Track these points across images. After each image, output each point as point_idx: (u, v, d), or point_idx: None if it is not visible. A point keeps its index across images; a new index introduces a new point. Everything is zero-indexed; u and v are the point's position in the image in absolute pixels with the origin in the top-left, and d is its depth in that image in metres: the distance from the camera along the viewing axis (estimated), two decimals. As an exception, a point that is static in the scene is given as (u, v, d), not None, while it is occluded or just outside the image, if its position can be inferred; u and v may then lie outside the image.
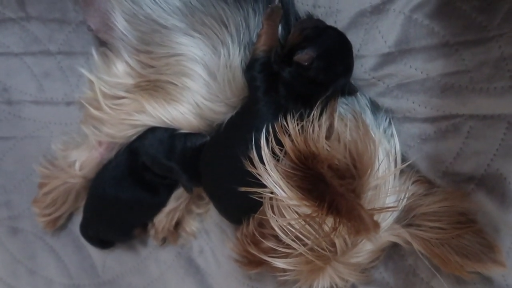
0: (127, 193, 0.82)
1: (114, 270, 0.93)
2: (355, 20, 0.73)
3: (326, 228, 0.61)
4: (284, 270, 0.70)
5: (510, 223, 0.68)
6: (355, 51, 0.72)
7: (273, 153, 0.64)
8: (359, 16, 0.73)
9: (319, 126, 0.63)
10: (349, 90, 0.72)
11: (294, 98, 0.67)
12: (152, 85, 0.74)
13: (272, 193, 0.63)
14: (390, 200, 0.68)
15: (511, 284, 0.68)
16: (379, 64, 0.73)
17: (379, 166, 0.64)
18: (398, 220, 0.70)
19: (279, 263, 0.68)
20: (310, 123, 0.63)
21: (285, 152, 0.64)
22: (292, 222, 0.63)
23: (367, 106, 0.72)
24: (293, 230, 0.63)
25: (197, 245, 0.90)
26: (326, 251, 0.65)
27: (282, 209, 0.64)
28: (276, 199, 0.64)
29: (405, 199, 0.69)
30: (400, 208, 0.69)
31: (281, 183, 0.62)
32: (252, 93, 0.69)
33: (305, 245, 0.64)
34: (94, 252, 0.93)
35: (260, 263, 0.72)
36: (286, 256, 0.67)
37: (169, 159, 0.77)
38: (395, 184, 0.69)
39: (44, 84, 0.87)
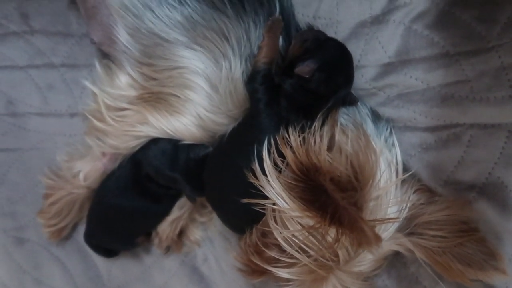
0: (130, 203, 0.83)
1: (119, 278, 0.94)
2: (356, 31, 0.74)
3: (329, 239, 0.61)
4: (288, 280, 0.71)
5: (511, 230, 0.68)
6: (355, 62, 0.72)
7: (275, 164, 0.65)
8: (359, 27, 0.73)
9: (321, 137, 0.64)
10: (350, 101, 0.72)
11: (296, 110, 0.68)
12: (155, 97, 0.75)
13: (274, 204, 0.64)
14: (392, 210, 0.68)
15: (513, 291, 0.69)
16: (379, 74, 0.74)
17: (380, 176, 0.65)
18: (400, 229, 0.70)
19: (282, 273, 0.68)
20: (312, 134, 0.64)
21: (287, 164, 0.64)
22: (296, 233, 0.63)
23: (368, 116, 0.73)
24: (297, 241, 0.64)
25: (201, 253, 0.91)
26: (329, 261, 0.66)
27: (285, 220, 0.65)
28: (279, 211, 0.64)
29: (407, 209, 0.70)
30: (402, 218, 0.69)
31: (283, 194, 0.63)
32: (254, 105, 0.70)
33: (308, 255, 0.65)
34: (99, 261, 0.93)
35: (263, 272, 0.72)
36: (289, 266, 0.67)
37: (173, 170, 0.77)
38: (397, 194, 0.69)
39: (48, 97, 0.88)
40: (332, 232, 0.60)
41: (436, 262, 0.69)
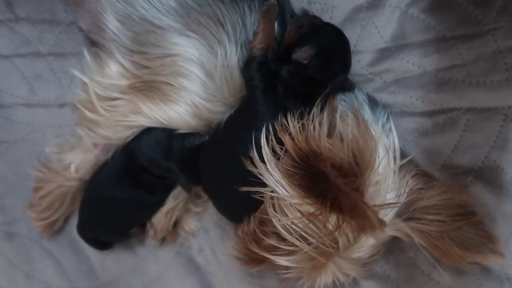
0: (124, 194, 0.81)
1: (113, 271, 0.92)
2: (351, 16, 0.73)
3: (330, 226, 0.61)
4: (286, 268, 0.70)
5: (508, 213, 0.69)
6: (351, 47, 0.71)
7: (274, 151, 0.64)
8: (355, 12, 0.72)
9: (320, 124, 0.63)
10: (347, 87, 0.72)
11: (293, 97, 0.67)
12: (148, 86, 0.73)
13: (273, 192, 0.63)
14: (390, 195, 0.68)
15: (509, 273, 0.70)
16: (376, 59, 0.73)
17: (379, 162, 0.64)
18: (398, 214, 0.70)
19: (281, 260, 0.68)
20: (311, 121, 0.63)
21: (286, 151, 0.64)
22: (295, 221, 0.63)
23: (365, 101, 0.72)
24: (296, 229, 0.63)
25: (196, 243, 0.90)
26: (329, 248, 0.66)
27: (284, 208, 0.64)
28: (278, 198, 0.64)
29: (405, 194, 0.70)
30: (400, 203, 0.69)
31: (282, 182, 0.62)
32: (250, 92, 0.68)
33: (308, 242, 0.65)
34: (92, 254, 0.92)
35: (261, 260, 0.72)
36: (288, 253, 0.67)
37: (167, 159, 0.76)
38: (395, 179, 0.69)
39: (35, 87, 0.85)
40: (332, 219, 0.60)
41: (434, 246, 0.69)
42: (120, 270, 0.92)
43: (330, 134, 0.65)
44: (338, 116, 0.66)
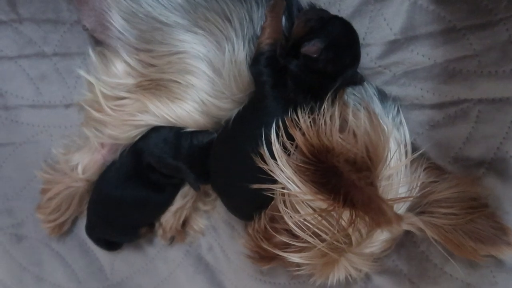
0: (132, 194, 0.81)
1: (122, 272, 0.92)
2: (359, 8, 0.72)
3: (343, 222, 0.60)
4: (298, 265, 0.70)
5: (521, 205, 0.68)
6: (360, 40, 0.70)
7: (284, 147, 0.63)
8: (363, 4, 0.71)
9: (331, 118, 0.62)
10: (357, 80, 0.71)
11: (303, 91, 0.66)
12: (155, 84, 0.73)
13: (284, 188, 0.63)
14: (402, 189, 0.67)
15: (524, 265, 0.69)
16: (385, 52, 0.72)
17: (392, 156, 0.64)
18: (411, 208, 0.70)
19: (293, 257, 0.67)
20: (322, 116, 0.63)
21: (296, 146, 0.63)
22: (308, 218, 0.62)
23: (374, 95, 0.71)
24: (309, 225, 0.63)
25: (205, 242, 0.90)
26: (342, 244, 0.65)
27: (296, 204, 0.64)
28: (289, 195, 0.63)
29: (417, 188, 0.69)
30: (413, 197, 0.68)
31: (294, 178, 0.61)
32: (259, 88, 0.68)
33: (320, 239, 0.64)
34: (101, 255, 0.92)
35: (273, 258, 0.72)
36: (300, 250, 0.67)
37: (176, 158, 0.76)
38: (407, 173, 0.68)
39: (41, 87, 0.85)
40: (345, 215, 0.59)
41: (447, 240, 0.69)
42: (130, 270, 0.92)
43: (341, 129, 0.65)
44: (350, 110, 0.65)
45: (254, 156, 0.64)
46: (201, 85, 0.70)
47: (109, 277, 0.92)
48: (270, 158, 0.63)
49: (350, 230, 0.61)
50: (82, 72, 0.77)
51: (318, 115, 0.63)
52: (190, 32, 0.68)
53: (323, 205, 0.59)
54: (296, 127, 0.63)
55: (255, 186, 0.64)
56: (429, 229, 0.69)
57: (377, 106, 0.70)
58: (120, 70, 0.74)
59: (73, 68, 0.82)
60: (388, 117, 0.70)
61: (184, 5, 0.67)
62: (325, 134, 0.61)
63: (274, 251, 0.69)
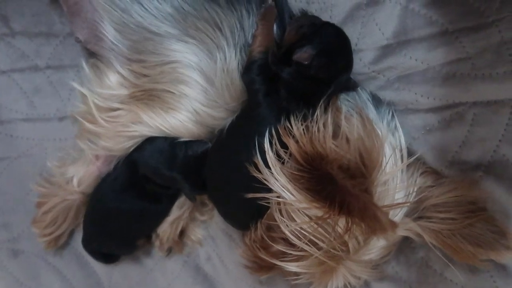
0: (128, 205, 0.80)
1: (120, 285, 0.91)
2: (351, 14, 0.71)
3: (339, 229, 0.59)
4: (296, 273, 0.69)
5: (520, 208, 0.67)
6: (353, 45, 0.70)
7: (278, 156, 0.63)
8: (354, 10, 0.71)
9: (324, 125, 0.62)
10: (350, 86, 0.70)
11: (296, 99, 0.66)
12: (148, 95, 0.72)
13: (279, 197, 0.62)
14: (399, 195, 0.67)
15: (525, 269, 0.68)
16: (378, 57, 0.72)
17: (387, 162, 0.63)
18: (408, 214, 0.69)
19: (291, 267, 0.66)
20: (315, 123, 0.62)
21: (290, 154, 0.62)
22: (304, 226, 0.62)
23: (368, 100, 0.71)
24: (305, 233, 0.62)
25: (203, 252, 0.89)
26: (339, 251, 0.64)
27: (292, 213, 0.63)
28: (285, 203, 0.62)
29: (414, 193, 0.68)
30: (410, 202, 0.68)
31: (288, 186, 0.61)
32: (252, 96, 0.67)
33: (317, 247, 0.63)
34: (99, 268, 0.91)
35: (271, 267, 0.71)
36: (298, 259, 0.66)
37: (171, 169, 0.75)
38: (403, 178, 0.68)
39: (34, 101, 0.85)
40: (341, 222, 0.58)
41: (446, 245, 0.68)
42: (128, 283, 0.91)
43: (335, 135, 0.64)
44: (343, 116, 0.65)
45: (249, 166, 0.64)
46: (194, 95, 0.70)
47: (107, 290, 0.92)
48: (264, 167, 0.63)
49: (346, 237, 0.61)
50: (75, 84, 0.77)
51: (311, 122, 0.63)
52: (181, 42, 0.68)
53: (318, 212, 0.58)
54: (289, 135, 0.62)
55: (250, 195, 0.64)
56: (428, 235, 0.69)
57: (371, 112, 0.70)
58: (113, 81, 0.74)
59: (67, 80, 0.82)
60: (382, 122, 0.70)
61: (174, 15, 0.67)
62: (319, 141, 0.61)
63: (272, 261, 0.68)
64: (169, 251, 0.88)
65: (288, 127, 0.63)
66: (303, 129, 0.62)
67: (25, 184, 0.86)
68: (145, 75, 0.72)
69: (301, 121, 0.63)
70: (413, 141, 0.73)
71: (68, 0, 0.73)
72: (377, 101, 0.72)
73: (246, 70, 0.67)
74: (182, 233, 0.87)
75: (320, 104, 0.64)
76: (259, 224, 0.70)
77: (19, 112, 0.85)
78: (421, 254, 0.75)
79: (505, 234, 0.66)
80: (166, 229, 0.85)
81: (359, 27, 0.72)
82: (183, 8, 0.67)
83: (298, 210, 0.62)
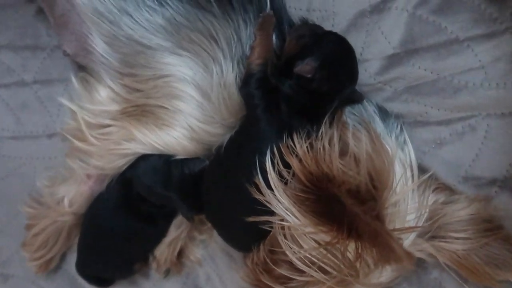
0: (123, 226, 0.76)
1: (116, 308, 0.87)
2: (355, 22, 0.68)
3: (349, 255, 0.55)
4: (301, 297, 0.65)
5: (539, 225, 0.64)
6: (357, 55, 0.66)
7: (281, 176, 0.59)
8: (358, 17, 0.67)
9: (330, 143, 0.58)
10: (355, 99, 0.67)
11: (298, 114, 0.62)
12: (140, 110, 0.69)
13: (283, 220, 0.58)
14: (411, 215, 0.62)
15: (544, 290, 0.65)
16: (384, 67, 0.68)
17: (398, 182, 0.59)
18: (420, 234, 0.65)
19: (296, 292, 0.62)
20: (320, 140, 0.58)
21: (294, 174, 0.58)
22: (311, 252, 0.57)
23: (375, 113, 0.67)
24: (312, 259, 0.58)
25: (203, 272, 0.85)
26: (348, 276, 0.60)
27: (297, 237, 0.59)
28: (289, 227, 0.58)
29: (427, 212, 0.64)
30: (422, 222, 0.64)
31: (292, 209, 0.57)
32: (251, 111, 0.63)
33: (325, 272, 0.59)
34: (93, 291, 0.87)
35: (274, 291, 0.67)
36: (303, 285, 0.62)
37: (167, 188, 0.71)
38: (414, 197, 0.64)
39: (22, 117, 0.81)
40: (351, 247, 0.54)
41: (461, 266, 0.64)
42: (124, 306, 0.87)
43: (341, 153, 0.60)
44: (349, 132, 0.61)
45: (249, 186, 0.60)
46: (189, 110, 0.66)
47: (103, 315, 0.87)
48: (266, 188, 0.59)
49: (357, 264, 0.56)
50: (63, 100, 0.73)
51: (315, 139, 0.58)
52: (174, 55, 0.64)
53: (326, 237, 0.55)
54: (292, 154, 0.58)
55: (251, 219, 0.59)
56: (441, 255, 0.65)
57: (378, 126, 0.66)
58: (104, 96, 0.70)
59: (55, 95, 0.78)
60: (391, 137, 0.66)
61: (166, 27, 0.63)
62: (324, 160, 0.57)
63: (275, 286, 0.64)
64: (167, 272, 0.83)
65: (290, 145, 0.59)
66: (307, 147, 0.58)
67: (13, 205, 0.82)
68: (137, 90, 0.68)
69: (304, 138, 0.59)
70: (423, 156, 0.69)
71: (55, 12, 0.70)
72: (384, 114, 0.68)
73: (244, 84, 0.63)
74: (181, 253, 0.83)
75: (324, 120, 0.60)
76: (261, 246, 0.65)
77: (6, 129, 0.82)
78: (435, 274, 0.71)
79: (524, 253, 0.63)
80: (163, 250, 0.81)
81: (364, 35, 0.68)
82: (176, 20, 0.62)
83: (304, 234, 0.58)
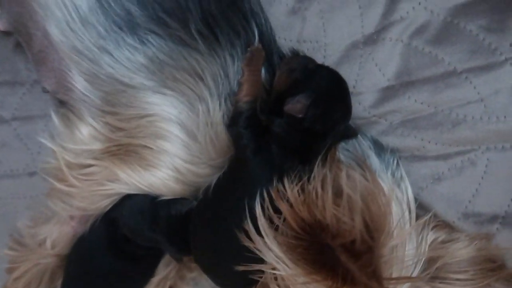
0: (109, 268, 0.72)
1: None
2: (347, 54, 0.65)
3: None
4: None
5: (543, 263, 0.61)
6: (350, 88, 0.63)
7: (272, 222, 0.55)
8: (351, 49, 0.64)
9: (323, 186, 0.54)
10: (349, 134, 0.63)
11: (289, 155, 0.58)
12: (124, 150, 0.65)
13: (274, 269, 0.55)
14: (409, 258, 0.59)
15: (552, 331, 0.61)
16: (379, 100, 0.65)
17: (395, 226, 0.56)
18: (419, 275, 0.62)
19: None
20: (312, 184, 0.55)
21: (285, 220, 0.55)
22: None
23: (370, 148, 0.64)
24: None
25: (194, 311, 0.81)
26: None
27: (290, 286, 0.56)
28: (281, 277, 0.55)
29: (425, 253, 0.61)
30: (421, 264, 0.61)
31: (284, 257, 0.54)
32: (240, 153, 0.60)
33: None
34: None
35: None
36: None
37: (153, 230, 0.68)
38: (412, 237, 0.60)
39: (1, 156, 0.77)
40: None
41: (462, 308, 0.61)
42: None
43: (335, 193, 0.57)
44: (344, 173, 0.57)
45: (238, 232, 0.56)
46: (174, 151, 0.62)
47: None
48: (256, 235, 0.55)
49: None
50: (43, 140, 0.69)
51: (307, 182, 0.55)
52: (158, 94, 0.61)
53: (320, 287, 0.51)
54: (282, 199, 0.55)
55: (241, 268, 0.56)
56: (442, 298, 0.62)
57: (374, 161, 0.64)
58: (86, 135, 0.67)
59: (35, 132, 0.74)
60: (387, 173, 0.63)
61: (148, 65, 0.59)
62: (317, 206, 0.53)
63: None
64: (156, 313, 0.80)
65: (281, 189, 0.55)
66: (298, 191, 0.55)
67: (-6, 247, 0.78)
68: (120, 129, 0.64)
69: (296, 181, 0.55)
70: (420, 192, 0.66)
71: (33, 47, 0.66)
72: (379, 149, 0.65)
73: (232, 123, 0.60)
74: (170, 293, 0.80)
75: (317, 162, 0.57)
76: (255, 291, 0.62)
77: (-16, 168, 0.77)
78: (435, 316, 0.67)
79: (529, 293, 0.60)
80: (151, 290, 0.77)
81: (357, 68, 0.65)
82: (159, 58, 0.59)
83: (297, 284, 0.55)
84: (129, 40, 0.59)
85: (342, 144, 0.63)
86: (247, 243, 0.55)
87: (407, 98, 0.64)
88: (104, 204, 0.68)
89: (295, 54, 0.65)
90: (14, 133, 0.76)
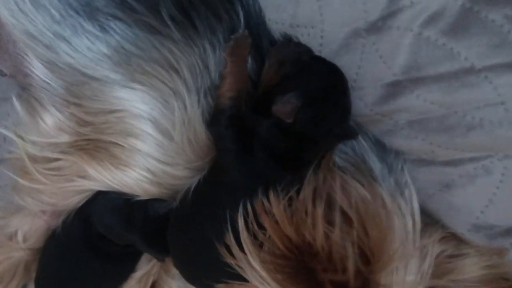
0: (84, 267, 0.68)
1: None
2: (347, 42, 0.55)
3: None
4: None
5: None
6: (350, 82, 0.55)
7: (256, 237, 0.49)
8: (351, 37, 0.55)
9: (314, 203, 0.48)
10: (348, 134, 0.55)
11: (276, 161, 0.51)
12: (93, 145, 0.58)
13: (256, 288, 0.49)
14: (411, 276, 0.54)
15: None
16: (383, 96, 0.57)
17: (397, 248, 0.49)
18: (423, 294, 0.56)
19: None
20: (301, 198, 0.48)
21: (269, 237, 0.49)
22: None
23: (371, 150, 0.57)
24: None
25: (181, 305, 0.77)
26: None
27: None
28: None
29: (431, 268, 0.56)
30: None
31: (267, 278, 0.48)
32: (221, 157, 0.53)
33: None
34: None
35: None
36: None
37: (130, 231, 0.62)
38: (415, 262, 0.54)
39: (-38, 144, 0.70)
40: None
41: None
42: None
43: (328, 205, 0.50)
44: (338, 183, 0.50)
45: (219, 246, 0.50)
46: (147, 150, 0.55)
47: None
48: (238, 251, 0.49)
49: None
50: (3, 130, 0.62)
51: (296, 197, 0.48)
52: (126, 88, 0.53)
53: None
54: (267, 213, 0.48)
55: (221, 286, 0.50)
56: (447, 318, 0.57)
57: (375, 166, 0.57)
58: (50, 126, 0.60)
59: (1, 116, 0.66)
60: (390, 179, 0.56)
61: (112, 56, 0.51)
62: (306, 224, 0.47)
63: None
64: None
65: (265, 202, 0.48)
66: (285, 206, 0.48)
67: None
68: (88, 122, 0.57)
69: (283, 193, 0.49)
70: (427, 199, 0.60)
71: (-16, 27, 0.58)
72: (382, 151, 0.58)
73: (213, 122, 0.53)
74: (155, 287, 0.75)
75: (309, 172, 0.49)
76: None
77: None
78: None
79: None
80: (133, 286, 0.72)
81: (358, 59, 0.56)
82: (124, 48, 0.51)
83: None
84: (88, 26, 0.50)
85: (340, 146, 0.56)
86: (227, 259, 0.49)
87: (415, 96, 0.55)
88: (76, 200, 0.63)
89: (288, 40, 0.56)
90: (-25, 119, 0.69)
